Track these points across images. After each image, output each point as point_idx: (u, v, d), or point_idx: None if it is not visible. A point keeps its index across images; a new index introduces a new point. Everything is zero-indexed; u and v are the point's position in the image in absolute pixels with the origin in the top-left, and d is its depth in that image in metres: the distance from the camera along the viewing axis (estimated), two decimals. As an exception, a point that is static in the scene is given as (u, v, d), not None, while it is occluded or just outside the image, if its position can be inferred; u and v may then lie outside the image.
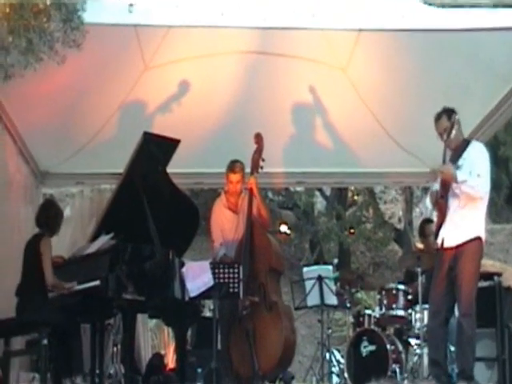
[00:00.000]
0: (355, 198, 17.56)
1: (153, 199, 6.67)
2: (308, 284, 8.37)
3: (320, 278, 8.26)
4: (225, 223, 7.37)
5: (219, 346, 6.78)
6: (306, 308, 8.93)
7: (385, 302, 7.69)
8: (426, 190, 10.57)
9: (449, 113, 6.06)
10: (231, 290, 6.32)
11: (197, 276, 6.39)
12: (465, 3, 6.16)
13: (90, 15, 5.21)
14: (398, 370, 7.39)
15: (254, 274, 6.97)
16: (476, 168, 5.96)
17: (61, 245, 7.55)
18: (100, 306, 6.35)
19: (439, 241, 6.06)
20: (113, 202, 6.94)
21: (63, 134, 8.06)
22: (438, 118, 6.11)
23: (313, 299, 8.37)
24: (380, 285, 8.26)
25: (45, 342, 5.86)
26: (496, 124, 7.87)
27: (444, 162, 6.01)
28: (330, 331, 8.41)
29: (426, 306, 6.96)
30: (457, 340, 6.01)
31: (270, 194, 16.22)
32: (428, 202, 6.23)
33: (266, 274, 7.01)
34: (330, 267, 8.76)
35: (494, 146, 13.66)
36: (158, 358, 8.79)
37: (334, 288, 8.36)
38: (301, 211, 16.89)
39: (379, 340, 7.51)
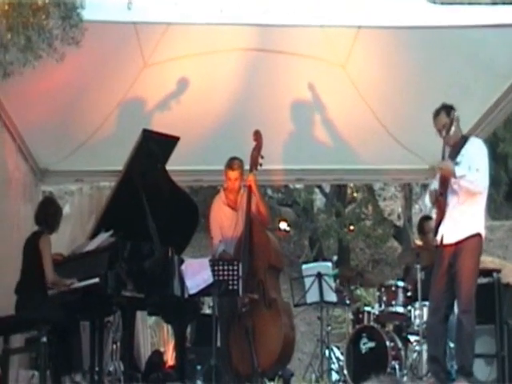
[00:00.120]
0: (354, 194, 17.54)
1: (152, 196, 6.67)
2: (307, 281, 8.38)
3: (319, 275, 8.27)
4: (224, 220, 7.38)
5: (218, 343, 6.80)
6: (305, 305, 8.95)
7: (384, 298, 7.69)
8: (425, 186, 10.56)
9: (447, 109, 6.07)
10: (230, 287, 6.33)
11: (196, 273, 6.39)
12: (464, 0, 6.17)
13: (88, 12, 5.20)
14: (397, 367, 7.39)
15: (253, 271, 6.98)
16: (475, 163, 5.97)
17: (60, 242, 7.55)
18: (99, 303, 6.35)
19: (439, 238, 6.06)
20: (112, 200, 6.94)
21: (62, 132, 8.06)
22: (436, 114, 6.12)
23: (312, 296, 8.38)
24: (379, 282, 8.26)
25: (44, 339, 5.87)
26: (495, 121, 7.87)
27: (443, 158, 6.02)
28: (329, 328, 8.42)
29: (426, 302, 6.97)
30: (456, 336, 6.02)
31: (269, 191, 16.21)
32: (427, 200, 6.23)
33: (265, 271, 7.02)
34: (330, 264, 8.77)
35: (493, 143, 13.64)
36: (157, 356, 8.79)
37: (333, 285, 8.37)
38: (300, 208, 16.88)
39: (378, 337, 7.52)
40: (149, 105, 8.09)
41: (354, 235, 16.49)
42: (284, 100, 8.26)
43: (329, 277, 8.29)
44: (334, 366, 8.24)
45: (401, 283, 7.75)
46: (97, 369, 6.68)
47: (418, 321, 7.35)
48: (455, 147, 6.10)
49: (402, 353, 7.54)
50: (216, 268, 6.31)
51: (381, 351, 7.44)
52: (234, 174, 7.29)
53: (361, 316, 7.92)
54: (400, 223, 17.12)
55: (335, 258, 10.82)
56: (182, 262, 6.57)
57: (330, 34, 7.32)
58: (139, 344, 8.94)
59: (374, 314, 7.81)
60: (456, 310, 6.07)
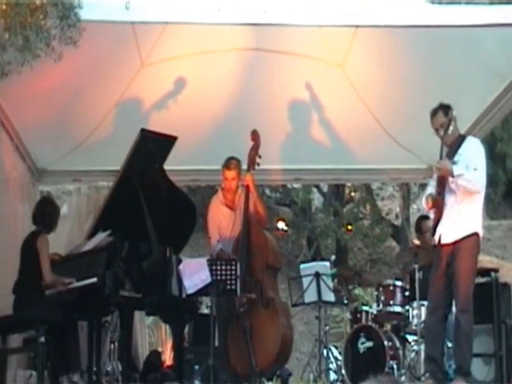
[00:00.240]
0: (352, 194, 17.54)
1: (150, 196, 6.67)
2: (305, 281, 8.39)
3: (317, 275, 8.29)
4: (222, 220, 7.38)
5: (216, 343, 6.79)
6: (303, 305, 8.97)
7: (382, 298, 7.70)
8: (423, 186, 10.55)
9: (445, 109, 6.08)
10: (228, 286, 6.33)
11: (194, 273, 6.39)
12: (462, 0, 6.18)
13: (86, 12, 5.20)
14: (395, 367, 7.40)
15: (251, 271, 6.97)
16: (472, 162, 5.98)
17: (58, 242, 7.54)
18: (97, 303, 6.34)
19: (436, 237, 6.06)
20: (110, 200, 6.94)
21: (60, 131, 8.05)
22: (434, 113, 6.13)
23: (310, 296, 8.39)
24: (377, 281, 8.27)
25: (42, 339, 5.87)
26: (493, 120, 7.87)
27: (441, 158, 6.02)
28: (327, 328, 8.43)
29: (424, 302, 6.98)
30: (454, 336, 6.02)
31: (267, 191, 16.21)
32: (423, 203, 6.22)
33: (263, 271, 7.02)
34: (328, 264, 8.79)
35: (490, 143, 13.64)
36: (155, 356, 8.79)
37: (331, 284, 8.38)
38: (298, 208, 16.88)
39: (376, 336, 7.52)
40: (146, 104, 8.08)
41: (351, 235, 16.49)
42: (282, 100, 8.26)
43: (327, 276, 8.30)
44: (332, 366, 8.26)
45: (399, 283, 7.76)
46: (95, 369, 6.66)
47: (415, 320, 7.35)
48: (452, 147, 6.11)
49: (400, 352, 7.55)
50: (214, 268, 6.31)
51: (379, 351, 7.45)
52: (231, 174, 7.29)
53: (359, 316, 7.92)
54: (398, 223, 17.12)
55: (333, 257, 10.87)
56: (179, 261, 6.56)
57: (327, 33, 7.32)
58: (137, 344, 8.94)
59: (371, 313, 7.82)
60: (454, 309, 6.07)
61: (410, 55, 7.20)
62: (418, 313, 7.26)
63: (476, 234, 5.99)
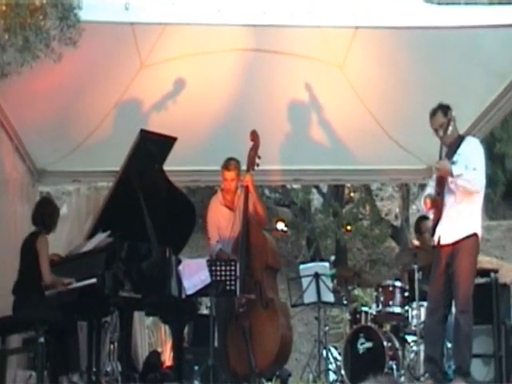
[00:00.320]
0: (352, 195, 17.54)
1: (149, 197, 6.67)
2: (305, 281, 8.39)
3: (317, 275, 8.29)
4: (221, 220, 7.38)
5: (216, 344, 6.79)
6: (302, 305, 8.96)
7: (381, 298, 7.70)
8: (422, 186, 10.55)
9: (444, 109, 6.08)
10: (228, 287, 6.33)
11: (193, 273, 6.39)
12: (461, 0, 6.18)
13: (86, 13, 5.21)
14: (394, 367, 7.39)
15: (251, 272, 6.98)
16: (472, 162, 5.98)
17: (57, 243, 7.54)
18: (97, 303, 6.34)
19: (436, 238, 6.06)
20: (109, 200, 6.94)
21: (60, 132, 8.05)
22: (433, 113, 6.13)
23: (309, 296, 8.39)
24: (377, 282, 8.26)
25: (42, 339, 5.86)
26: (492, 121, 7.87)
27: (440, 158, 6.02)
28: (326, 328, 8.43)
29: (423, 302, 6.98)
30: (454, 337, 6.03)
31: (266, 192, 16.22)
32: (422, 204, 6.22)
33: (263, 272, 7.02)
34: (327, 264, 8.79)
35: (490, 143, 13.66)
36: (155, 356, 8.79)
37: (330, 285, 8.38)
38: (297, 208, 16.88)
39: (376, 337, 7.52)
40: (146, 105, 8.08)
41: (351, 235, 16.49)
42: (281, 100, 8.27)
43: (326, 277, 8.30)
44: (332, 366, 8.25)
45: (398, 283, 7.76)
46: (94, 369, 6.66)
47: (415, 321, 7.35)
48: (452, 147, 6.11)
49: (400, 353, 7.55)
50: (213, 268, 6.31)
51: (378, 351, 7.44)
52: (230, 175, 7.29)
53: (358, 316, 7.92)
54: (397, 223, 17.12)
55: (332, 258, 10.83)
56: (179, 262, 6.56)
57: (327, 34, 7.32)
58: (137, 344, 8.94)
59: (371, 314, 7.82)
60: (453, 310, 6.07)
61: (409, 56, 7.20)
62: (418, 313, 7.26)
63: (475, 235, 5.99)
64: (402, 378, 7.29)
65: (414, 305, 7.33)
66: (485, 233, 6.38)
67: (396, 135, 8.52)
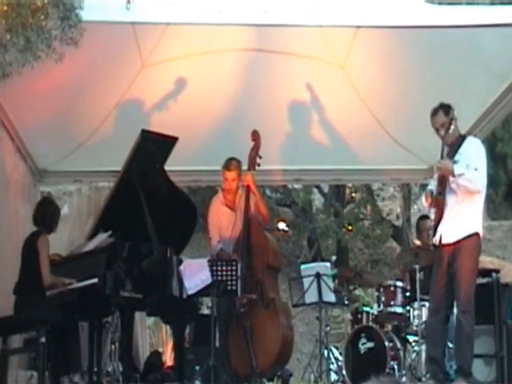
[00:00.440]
0: (353, 195, 17.54)
1: (151, 197, 6.67)
2: (306, 281, 8.38)
3: (318, 275, 8.28)
4: (222, 220, 7.38)
5: (217, 344, 6.78)
6: (304, 305, 8.96)
7: (383, 298, 7.69)
8: (423, 186, 10.56)
9: (445, 108, 6.07)
10: (229, 287, 6.33)
11: (194, 273, 6.39)
12: (462, 0, 6.18)
13: (87, 13, 5.21)
14: (396, 367, 7.38)
15: (252, 272, 6.97)
16: (473, 162, 5.98)
17: (59, 243, 7.54)
18: (98, 303, 6.34)
19: (437, 238, 6.06)
20: (111, 200, 6.94)
21: (61, 132, 8.06)
22: (434, 113, 6.12)
23: (311, 296, 8.38)
24: (378, 282, 8.25)
25: (43, 340, 5.86)
26: (494, 121, 7.87)
27: (442, 158, 6.02)
28: (328, 328, 8.42)
29: (425, 302, 6.98)
30: (455, 337, 6.02)
31: (267, 192, 16.21)
32: (424, 201, 6.22)
33: (264, 272, 7.02)
34: (328, 264, 8.78)
35: (491, 143, 13.65)
36: (156, 356, 8.79)
37: (331, 285, 8.37)
38: (299, 208, 16.88)
39: (377, 337, 7.51)
40: (147, 105, 8.08)
41: (352, 235, 16.49)
42: (282, 100, 8.26)
43: (327, 277, 8.29)
44: (333, 367, 8.25)
45: (399, 283, 7.75)
46: (95, 369, 6.67)
47: (416, 321, 7.34)
48: (453, 146, 6.11)
49: (401, 353, 7.54)
50: (214, 268, 6.31)
51: (379, 351, 7.44)
52: (231, 175, 7.29)
53: (359, 316, 7.91)
54: (399, 223, 17.11)
55: (334, 258, 10.82)
56: (180, 262, 6.56)
57: (328, 34, 7.32)
58: (138, 344, 8.94)
59: (372, 314, 7.81)
60: (455, 310, 6.07)
61: (410, 55, 7.20)
62: (419, 313, 7.25)
63: (477, 234, 5.99)
64: (404, 379, 7.28)
65: (416, 305, 7.32)
66: (486, 233, 6.38)
67: (397, 135, 8.52)
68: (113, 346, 7.80)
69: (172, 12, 5.90)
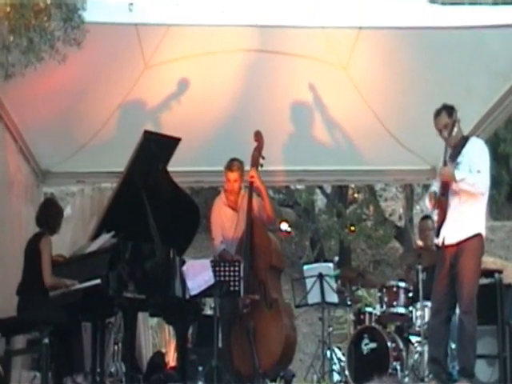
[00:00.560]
0: (356, 195, 17.55)
1: (153, 198, 6.67)
2: (309, 282, 8.38)
3: (321, 276, 8.27)
4: (225, 221, 7.38)
5: (220, 344, 6.79)
6: (306, 306, 8.95)
7: (385, 299, 7.69)
8: (426, 187, 10.57)
9: (449, 110, 6.06)
10: (232, 287, 6.34)
11: (197, 274, 6.39)
12: (465, 0, 6.18)
13: (90, 14, 5.23)
14: (398, 368, 7.38)
15: (255, 272, 6.98)
16: (476, 164, 5.97)
17: (61, 243, 7.55)
18: (101, 304, 6.34)
19: (440, 239, 6.06)
20: (113, 201, 6.94)
21: (64, 133, 8.06)
22: (437, 114, 6.11)
23: (313, 297, 8.38)
24: (381, 282, 8.24)
25: (46, 340, 5.86)
26: (496, 121, 7.87)
27: (445, 159, 6.01)
28: (330, 329, 8.42)
29: (427, 303, 6.97)
30: (458, 337, 6.01)
31: (270, 192, 16.20)
32: (427, 202, 6.21)
33: (267, 272, 7.02)
34: (331, 265, 8.77)
35: (494, 143, 13.66)
36: (158, 357, 8.79)
37: (334, 286, 8.37)
38: (301, 209, 16.89)
39: (380, 338, 7.51)
40: (150, 106, 8.09)
41: (355, 236, 16.49)
42: (285, 101, 8.27)
43: (330, 277, 8.28)
44: (336, 367, 8.24)
45: (402, 284, 7.75)
46: (98, 370, 6.67)
47: (419, 321, 7.34)
48: (456, 148, 6.10)
49: (404, 354, 7.53)
50: (217, 269, 6.32)
51: (382, 352, 7.43)
52: (233, 176, 7.29)
53: (362, 317, 7.91)
54: (401, 224, 17.12)
55: (336, 258, 10.83)
56: (183, 262, 6.57)
57: (331, 35, 7.32)
58: (141, 345, 8.95)
59: (375, 314, 7.80)
60: (457, 310, 6.06)
61: (413, 56, 7.20)
62: (422, 314, 7.25)
63: (480, 235, 5.98)
64: (406, 379, 7.28)
65: (418, 305, 7.32)
66: (489, 233, 6.38)
67: (400, 136, 8.52)
68: (116, 347, 7.81)
69: (174, 13, 5.90)
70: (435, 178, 6.57)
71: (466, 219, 5.96)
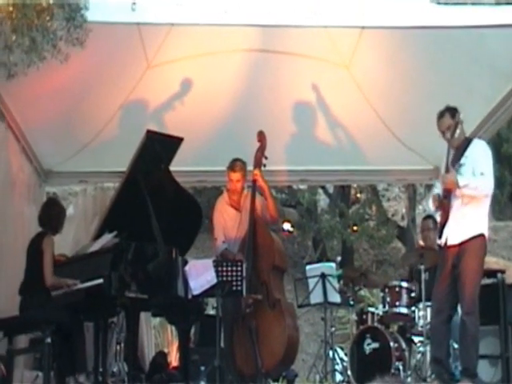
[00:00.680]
0: (358, 195, 17.55)
1: (156, 197, 6.68)
2: (311, 282, 8.39)
3: (323, 276, 8.28)
4: (227, 221, 7.38)
5: (222, 344, 6.79)
6: (309, 306, 8.96)
7: (388, 299, 7.68)
8: (429, 187, 10.55)
9: (452, 111, 6.05)
10: (234, 287, 6.33)
11: (200, 274, 6.39)
12: (468, 0, 6.16)
13: (92, 13, 5.22)
14: (401, 368, 7.37)
15: (257, 272, 6.97)
16: (479, 166, 5.96)
17: (64, 243, 7.56)
18: (103, 304, 6.35)
19: (443, 240, 6.05)
20: (116, 201, 6.95)
21: (66, 133, 8.07)
22: (440, 116, 6.11)
23: (316, 297, 8.38)
24: (383, 282, 8.24)
25: (48, 340, 5.87)
26: (499, 121, 7.85)
27: (447, 162, 6.00)
28: (333, 329, 8.42)
29: (430, 303, 6.96)
30: (460, 338, 6.01)
31: (272, 192, 16.20)
32: (430, 204, 6.21)
33: (269, 272, 7.01)
34: (333, 265, 8.78)
35: (496, 144, 13.64)
36: (161, 356, 8.79)
37: (337, 286, 8.37)
38: (304, 209, 16.88)
39: (382, 338, 7.50)
40: (152, 106, 8.09)
41: (357, 236, 16.49)
42: (288, 101, 8.27)
43: (332, 277, 8.29)
44: (338, 367, 8.25)
45: (405, 284, 7.74)
46: (101, 369, 6.67)
47: (421, 322, 7.33)
48: (459, 149, 6.09)
49: (406, 354, 7.52)
50: (220, 269, 6.31)
51: (385, 352, 7.43)
52: (235, 176, 7.29)
53: (365, 317, 7.90)
54: (404, 224, 17.11)
55: (339, 258, 10.84)
56: (185, 262, 6.56)
57: (333, 34, 7.33)
58: (143, 345, 8.95)
59: (377, 314, 7.80)
60: (459, 311, 6.06)
61: (416, 56, 7.20)
62: (424, 314, 7.24)
63: (482, 236, 5.97)
64: (409, 379, 7.27)
65: (421, 305, 7.31)
66: (492, 233, 6.38)
67: (402, 135, 8.52)
68: (118, 347, 7.80)
69: (177, 12, 5.89)
70: (438, 178, 6.55)
71: (468, 220, 5.95)
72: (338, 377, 8.19)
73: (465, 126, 6.19)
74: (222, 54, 7.66)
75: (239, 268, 6.33)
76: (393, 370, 7.27)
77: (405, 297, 7.63)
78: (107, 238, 6.44)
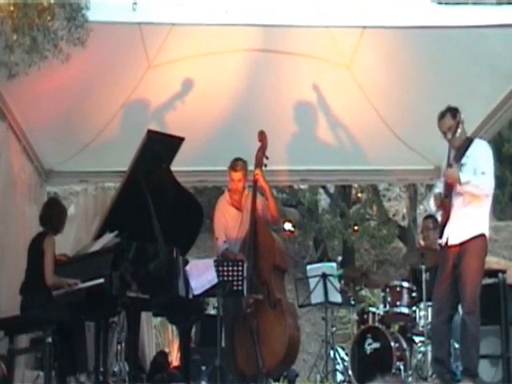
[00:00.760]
0: (359, 195, 17.54)
1: (157, 197, 6.68)
2: (312, 281, 8.38)
3: (324, 276, 8.28)
4: (228, 220, 7.37)
5: (223, 344, 6.79)
6: (310, 305, 8.96)
7: (389, 299, 7.68)
8: (430, 187, 10.56)
9: (453, 112, 6.05)
10: (235, 287, 6.32)
11: (201, 274, 6.39)
12: (469, 0, 6.16)
13: (93, 13, 5.23)
14: (402, 368, 7.37)
15: (258, 272, 6.97)
16: (480, 166, 5.96)
17: (65, 243, 7.56)
18: (104, 303, 6.36)
19: (444, 239, 6.05)
20: (117, 200, 6.95)
21: (67, 132, 8.07)
22: (441, 116, 6.10)
23: (317, 297, 8.38)
24: (384, 282, 8.23)
25: (49, 339, 5.88)
26: (500, 121, 7.85)
27: (449, 160, 6.00)
28: (334, 329, 8.42)
29: (431, 303, 6.96)
30: (461, 338, 6.01)
31: (273, 192, 16.20)
32: (431, 204, 6.21)
33: (270, 272, 7.01)
34: (334, 265, 8.78)
35: (498, 144, 13.64)
36: (162, 356, 8.80)
37: (338, 285, 8.37)
38: (305, 209, 16.88)
39: (383, 337, 7.50)
40: (153, 105, 8.09)
41: (358, 236, 16.49)
42: (289, 100, 8.27)
43: (333, 277, 8.28)
44: (339, 367, 8.25)
45: (405, 284, 7.73)
46: (102, 369, 6.68)
47: (422, 321, 7.33)
48: (460, 149, 6.09)
49: (407, 353, 7.52)
50: (221, 268, 6.30)
51: (385, 352, 7.42)
52: (237, 175, 7.28)
53: (365, 317, 7.90)
54: (405, 224, 17.10)
55: (340, 258, 10.81)
56: (186, 262, 6.57)
57: (334, 34, 7.33)
58: (144, 344, 8.95)
59: (378, 314, 7.79)
60: (460, 310, 6.06)
61: (417, 56, 7.20)
62: (425, 314, 7.24)
63: (483, 235, 5.97)
64: (410, 379, 7.27)
65: (422, 305, 7.31)
66: (493, 233, 6.37)
67: (403, 135, 8.51)
68: (119, 346, 7.80)
69: (178, 12, 5.90)
70: (439, 177, 6.56)
71: (469, 220, 5.95)
72: (339, 377, 8.19)
73: (466, 126, 6.19)
74: (223, 53, 7.66)
75: (240, 268, 6.32)
76: (394, 370, 7.27)
77: (406, 297, 7.62)
78: (108, 238, 6.44)
